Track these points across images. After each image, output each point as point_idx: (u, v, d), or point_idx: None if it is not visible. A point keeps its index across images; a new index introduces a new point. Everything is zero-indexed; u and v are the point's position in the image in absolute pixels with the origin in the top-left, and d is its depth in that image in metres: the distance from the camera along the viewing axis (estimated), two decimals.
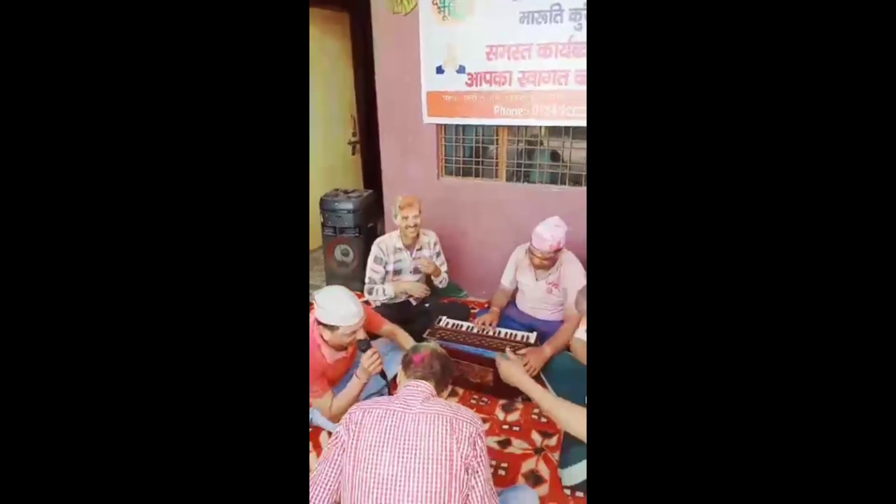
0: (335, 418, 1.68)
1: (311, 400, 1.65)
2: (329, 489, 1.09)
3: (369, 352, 1.64)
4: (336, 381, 1.73)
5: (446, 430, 1.04)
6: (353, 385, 1.66)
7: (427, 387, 1.19)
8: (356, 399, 1.67)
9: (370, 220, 3.17)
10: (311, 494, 1.11)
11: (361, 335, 1.68)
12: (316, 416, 1.82)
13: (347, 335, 1.63)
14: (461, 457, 1.02)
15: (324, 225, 3.15)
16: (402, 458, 1.01)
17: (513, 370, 1.52)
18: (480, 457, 1.05)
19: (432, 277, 2.45)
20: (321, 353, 1.68)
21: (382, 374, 1.68)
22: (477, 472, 1.04)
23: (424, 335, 2.12)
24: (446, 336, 2.11)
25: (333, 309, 1.60)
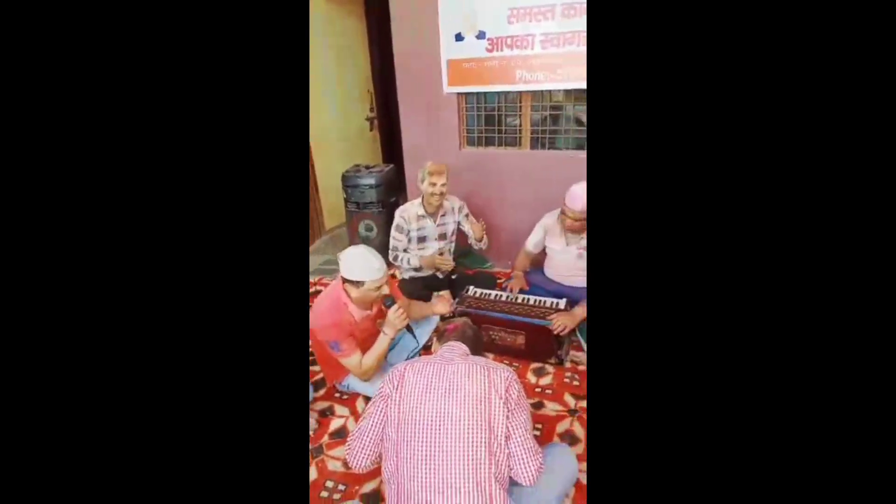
0: (365, 375, 1.72)
1: (341, 358, 1.68)
2: (373, 440, 1.14)
3: (394, 307, 1.67)
4: (365, 342, 1.76)
5: (484, 375, 1.12)
6: (381, 341, 1.69)
7: (462, 347, 1.27)
8: (384, 355, 1.72)
9: (392, 195, 3.17)
10: (354, 447, 1.15)
11: (386, 291, 1.68)
12: (352, 382, 1.86)
13: (374, 290, 1.64)
14: (499, 397, 1.08)
15: (346, 201, 3.16)
16: (445, 399, 1.07)
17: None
18: (519, 398, 1.12)
19: (473, 242, 2.41)
20: (348, 312, 1.69)
21: (409, 328, 1.73)
22: (514, 411, 1.09)
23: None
24: (475, 304, 2.12)
25: (358, 265, 1.61)
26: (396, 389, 1.13)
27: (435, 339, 1.38)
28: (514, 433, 1.08)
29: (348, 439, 1.20)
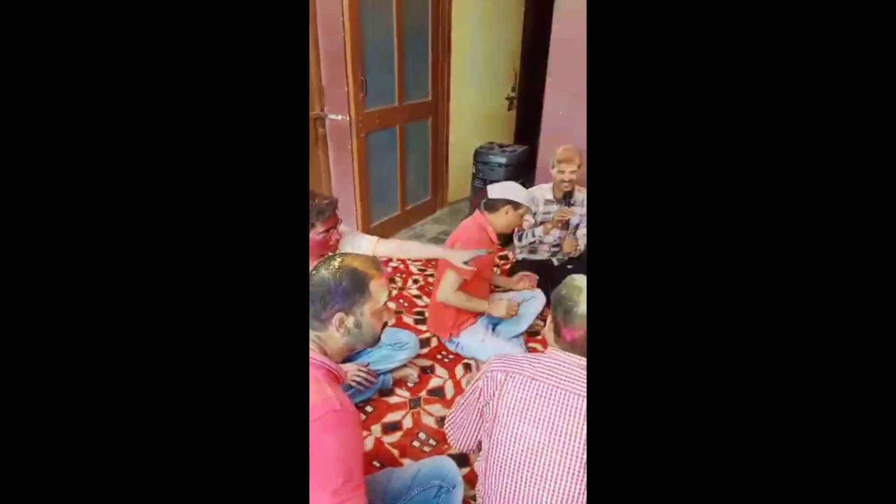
0: (453, 298, 1.88)
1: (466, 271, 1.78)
2: (472, 433, 1.10)
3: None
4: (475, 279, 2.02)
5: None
6: (479, 305, 1.95)
7: (581, 363, 1.01)
8: (468, 311, 1.96)
9: (520, 176, 3.13)
10: (455, 433, 1.13)
11: (529, 220, 2.24)
12: (463, 341, 1.94)
13: (520, 216, 2.01)
14: None
15: (475, 176, 3.19)
16: (545, 435, 0.95)
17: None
18: None
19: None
20: (488, 233, 1.99)
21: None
22: None
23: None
24: None
25: (514, 188, 1.98)
26: (494, 397, 1.02)
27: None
28: None
29: (448, 417, 1.18)
